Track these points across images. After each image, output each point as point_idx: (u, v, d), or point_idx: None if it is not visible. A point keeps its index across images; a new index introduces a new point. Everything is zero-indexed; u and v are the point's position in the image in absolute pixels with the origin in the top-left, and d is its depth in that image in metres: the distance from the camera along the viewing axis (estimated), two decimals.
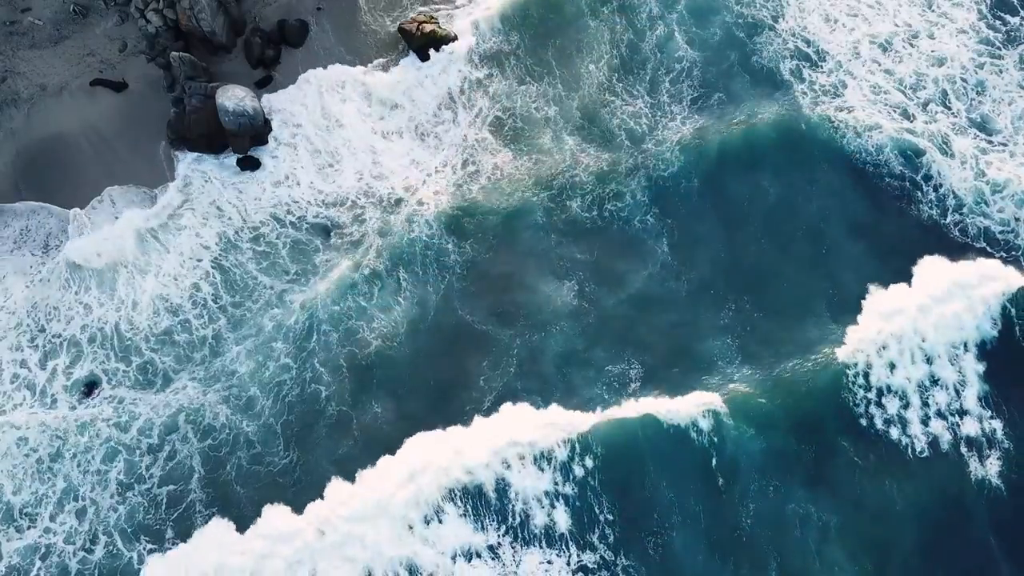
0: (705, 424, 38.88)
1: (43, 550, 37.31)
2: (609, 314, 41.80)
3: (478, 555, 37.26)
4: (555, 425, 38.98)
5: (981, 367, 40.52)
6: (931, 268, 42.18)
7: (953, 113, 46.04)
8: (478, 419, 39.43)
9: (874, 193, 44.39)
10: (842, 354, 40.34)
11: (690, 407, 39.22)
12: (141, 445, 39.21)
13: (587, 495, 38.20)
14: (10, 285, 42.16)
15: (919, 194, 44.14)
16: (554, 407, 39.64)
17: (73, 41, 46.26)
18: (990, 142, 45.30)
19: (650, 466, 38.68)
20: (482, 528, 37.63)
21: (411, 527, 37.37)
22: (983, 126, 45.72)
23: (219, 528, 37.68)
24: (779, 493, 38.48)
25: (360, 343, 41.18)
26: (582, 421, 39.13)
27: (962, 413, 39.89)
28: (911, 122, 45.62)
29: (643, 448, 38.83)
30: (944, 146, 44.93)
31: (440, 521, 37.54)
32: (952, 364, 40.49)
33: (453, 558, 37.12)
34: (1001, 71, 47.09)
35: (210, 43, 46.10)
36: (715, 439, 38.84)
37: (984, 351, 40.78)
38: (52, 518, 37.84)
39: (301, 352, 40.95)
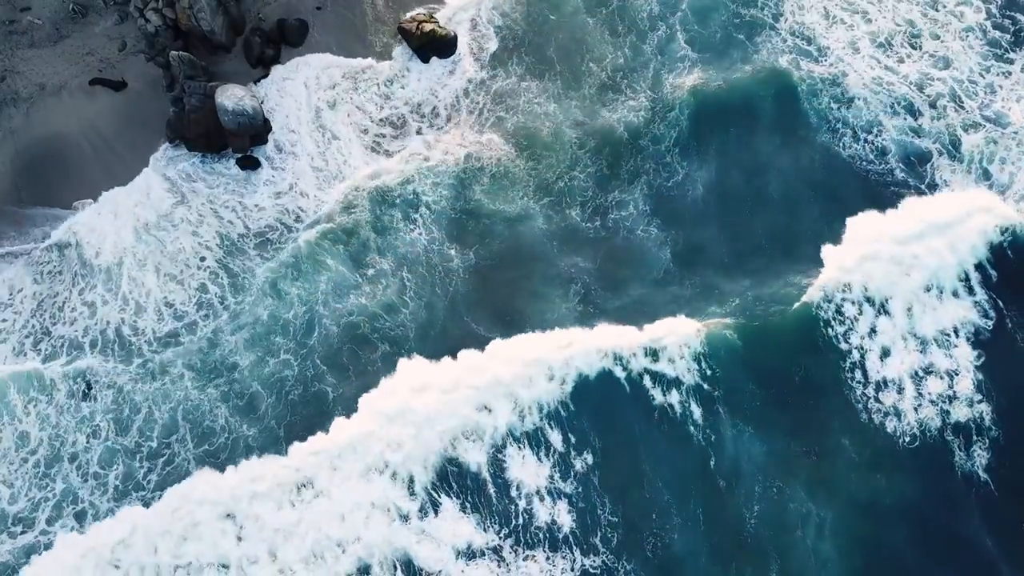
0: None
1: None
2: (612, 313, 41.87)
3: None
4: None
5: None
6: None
7: (966, 109, 45.83)
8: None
9: (878, 195, 44.24)
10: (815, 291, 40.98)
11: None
12: (141, 449, 39.13)
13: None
14: (20, 282, 42.16)
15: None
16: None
17: (72, 40, 46.11)
18: (1001, 133, 45.10)
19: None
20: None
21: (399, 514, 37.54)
22: (994, 120, 45.55)
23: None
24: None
25: (365, 343, 40.91)
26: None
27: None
28: (916, 120, 45.50)
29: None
30: (952, 147, 44.81)
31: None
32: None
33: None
34: (1009, 73, 46.89)
35: (209, 42, 45.93)
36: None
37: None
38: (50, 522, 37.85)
39: (302, 349, 40.70)
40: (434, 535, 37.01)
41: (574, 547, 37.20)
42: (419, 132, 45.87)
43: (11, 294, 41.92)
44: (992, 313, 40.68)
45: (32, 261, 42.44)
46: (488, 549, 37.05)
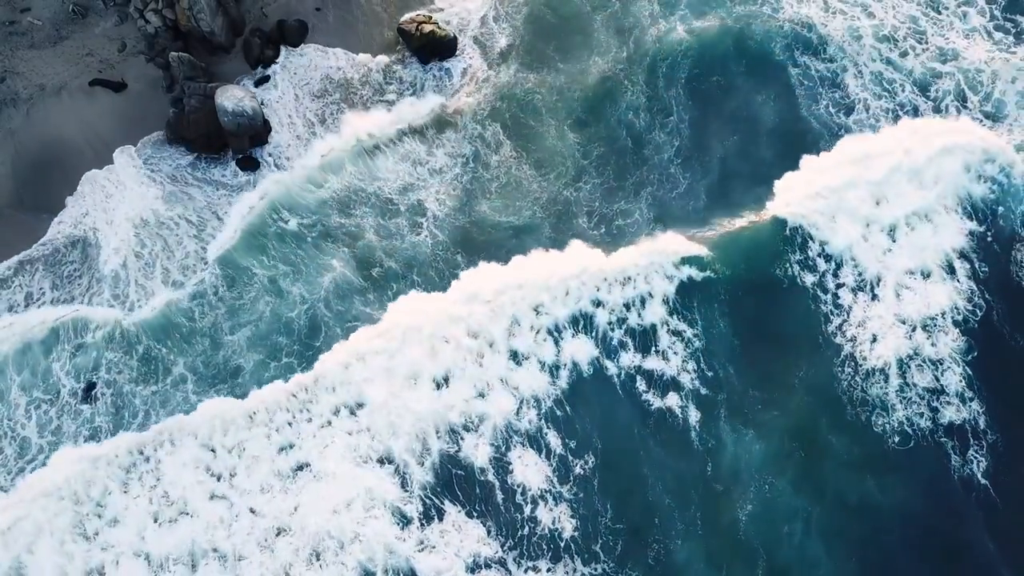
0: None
1: None
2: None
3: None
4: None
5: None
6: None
7: (967, 107, 46.00)
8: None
9: None
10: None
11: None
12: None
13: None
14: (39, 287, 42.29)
15: None
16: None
17: (72, 41, 46.05)
18: (998, 128, 45.30)
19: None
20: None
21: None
22: (992, 115, 45.75)
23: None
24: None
25: None
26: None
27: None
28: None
29: None
30: None
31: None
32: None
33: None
34: (1008, 60, 46.96)
35: (209, 43, 45.91)
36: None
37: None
38: None
39: (306, 351, 40.61)
40: (436, 543, 36.94)
41: (575, 555, 37.30)
42: (419, 132, 45.83)
43: (27, 304, 41.80)
44: None
45: (52, 262, 42.42)
46: (494, 562, 36.88)
